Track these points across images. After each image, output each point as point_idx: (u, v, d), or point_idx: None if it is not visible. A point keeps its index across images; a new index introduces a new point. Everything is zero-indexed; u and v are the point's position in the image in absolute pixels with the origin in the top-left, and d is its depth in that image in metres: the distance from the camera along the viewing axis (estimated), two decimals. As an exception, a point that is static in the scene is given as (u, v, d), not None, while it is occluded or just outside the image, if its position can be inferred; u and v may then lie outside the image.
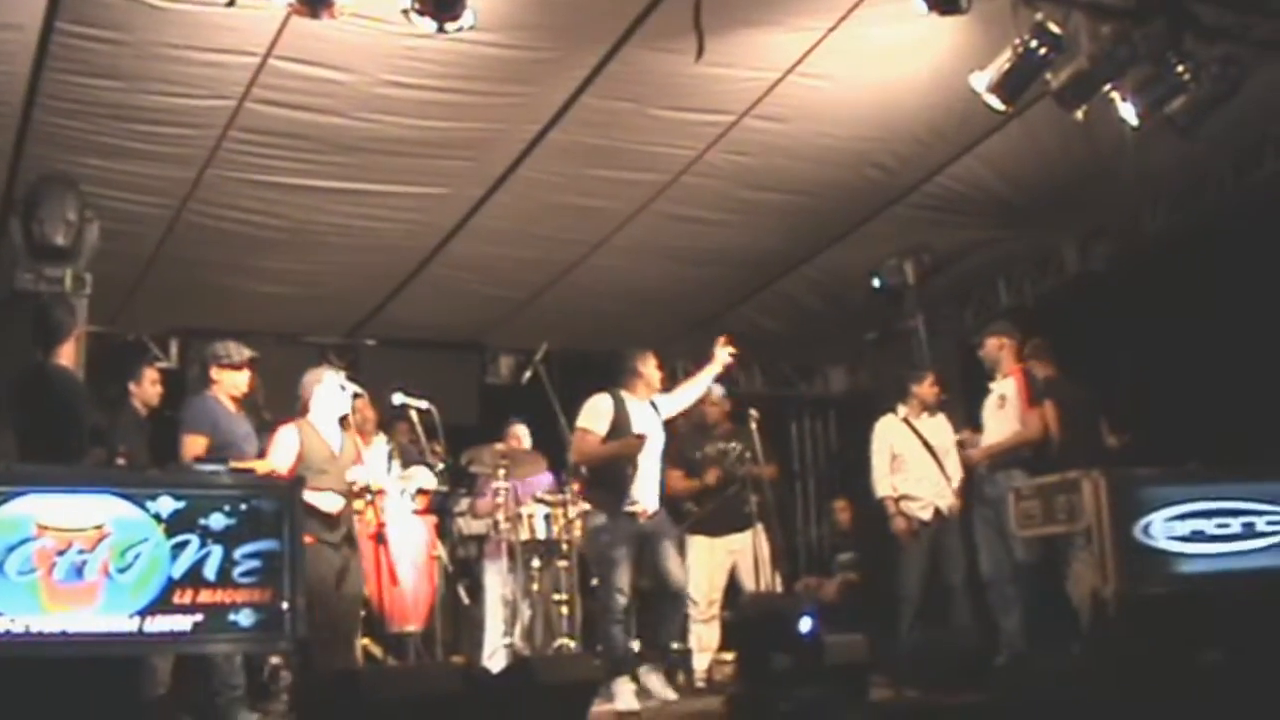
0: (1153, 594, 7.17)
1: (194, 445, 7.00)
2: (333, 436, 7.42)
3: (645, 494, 7.68)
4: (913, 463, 9.00)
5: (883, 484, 9.05)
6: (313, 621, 6.87)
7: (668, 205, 8.92)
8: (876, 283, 10.00)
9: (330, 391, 7.42)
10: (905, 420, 9.09)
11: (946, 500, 8.90)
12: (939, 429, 9.05)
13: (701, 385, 8.27)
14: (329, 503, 7.25)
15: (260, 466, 7.03)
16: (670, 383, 10.60)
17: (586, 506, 8.10)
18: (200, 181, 8.00)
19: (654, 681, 7.69)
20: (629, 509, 7.59)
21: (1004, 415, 8.60)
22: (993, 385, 8.76)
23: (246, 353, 7.30)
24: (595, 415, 7.69)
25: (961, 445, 8.82)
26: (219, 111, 7.30)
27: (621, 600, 7.49)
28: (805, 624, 6.82)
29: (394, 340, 10.94)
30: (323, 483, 7.19)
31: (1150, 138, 7.65)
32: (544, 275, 9.98)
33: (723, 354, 8.16)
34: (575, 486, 8.49)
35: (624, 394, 7.78)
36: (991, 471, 8.52)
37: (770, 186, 8.77)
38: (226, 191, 8.17)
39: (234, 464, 6.78)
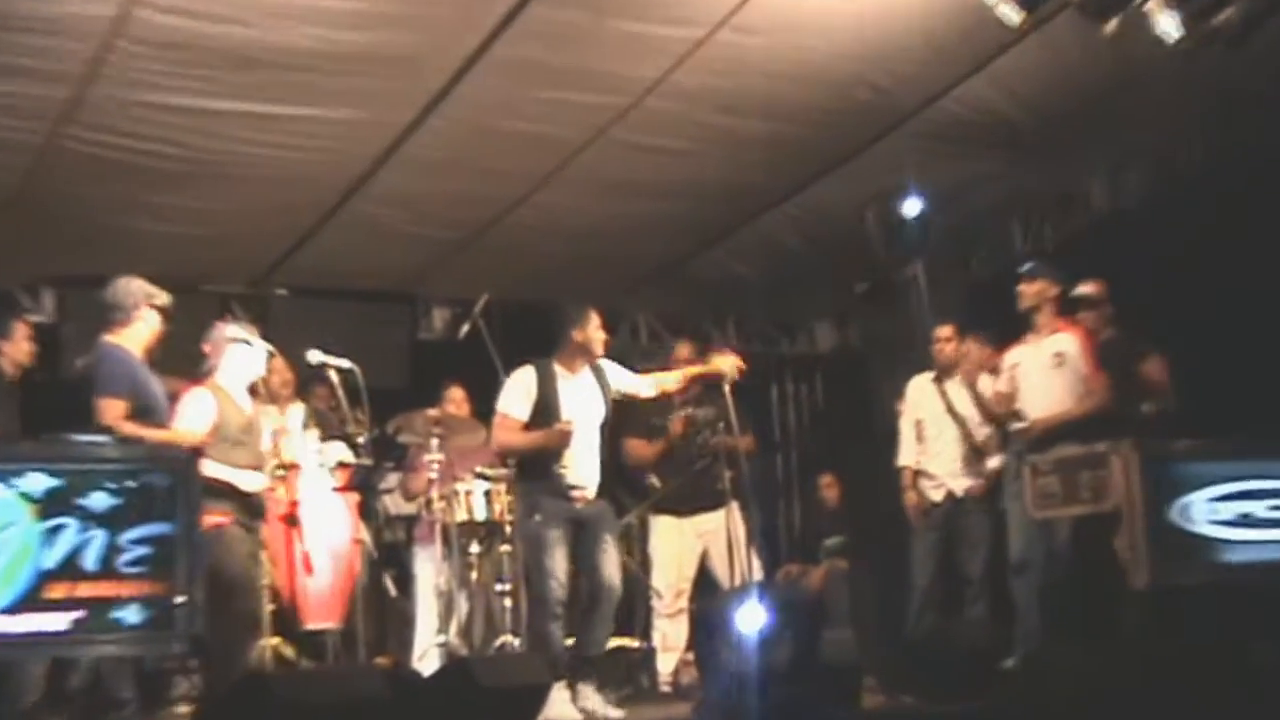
0: (1191, 586, 7.18)
1: (113, 410, 6.78)
2: (245, 403, 7.35)
3: (581, 475, 7.66)
4: (932, 433, 9.00)
5: (905, 452, 9.13)
6: (230, 617, 6.88)
7: (628, 133, 8.84)
8: (916, 209, 9.76)
9: (244, 350, 7.34)
10: (936, 380, 9.02)
11: (964, 480, 8.85)
12: (962, 393, 8.98)
13: (673, 383, 8.27)
14: (251, 481, 7.20)
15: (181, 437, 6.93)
16: (633, 340, 10.57)
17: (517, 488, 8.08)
18: (77, 102, 7.84)
19: (591, 699, 7.62)
20: (566, 493, 7.58)
21: (1061, 377, 8.30)
22: (1032, 338, 8.52)
23: (168, 296, 7.17)
24: (515, 396, 7.67)
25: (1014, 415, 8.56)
26: (100, 19, 7.13)
27: (558, 591, 7.48)
28: (749, 617, 6.75)
29: (309, 289, 10.89)
30: (239, 456, 7.18)
31: (1192, 54, 7.57)
32: (485, 214, 9.91)
33: (727, 364, 8.16)
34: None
35: (556, 366, 7.74)
36: (1051, 441, 8.16)
37: (746, 111, 8.69)
38: (109, 114, 8.01)
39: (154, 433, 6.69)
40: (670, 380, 8.26)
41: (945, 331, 9.10)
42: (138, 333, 6.98)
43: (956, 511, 8.89)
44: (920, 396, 9.10)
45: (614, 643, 8.49)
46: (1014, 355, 8.57)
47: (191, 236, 9.60)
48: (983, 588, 8.75)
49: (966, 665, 7.27)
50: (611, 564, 7.70)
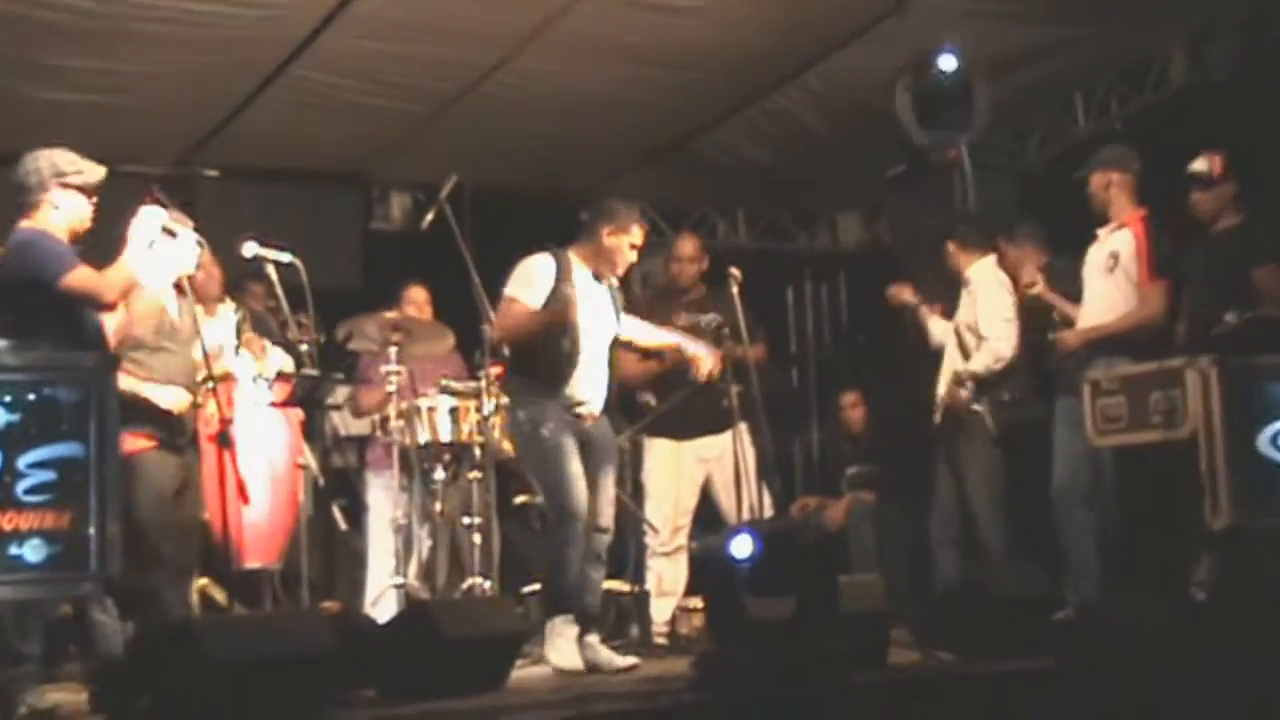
0: (1280, 527, 7.21)
1: (82, 276, 6.59)
2: (170, 303, 7.26)
3: (590, 391, 7.67)
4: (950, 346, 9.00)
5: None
6: (149, 555, 6.83)
7: (624, -14, 8.83)
8: (951, 63, 9.65)
9: (169, 240, 7.24)
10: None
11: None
12: (962, 300, 8.99)
13: (668, 339, 8.36)
14: (170, 398, 7.14)
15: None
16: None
17: (505, 399, 8.08)
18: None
19: (599, 651, 7.61)
20: (571, 408, 7.59)
21: (1112, 282, 8.35)
22: (1102, 234, 8.49)
23: (100, 170, 6.97)
24: (528, 280, 7.66)
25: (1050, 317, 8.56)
26: None
27: (581, 505, 7.46)
28: (741, 545, 6.71)
29: (244, 170, 10.88)
30: (160, 364, 7.15)
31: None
32: (453, 83, 9.86)
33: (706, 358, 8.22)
34: (495, 371, 8.39)
35: (574, 257, 7.73)
36: (1091, 356, 8.24)
37: (763, -39, 8.65)
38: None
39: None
40: (645, 338, 8.30)
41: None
42: (48, 218, 6.82)
43: (949, 433, 8.88)
44: None
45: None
46: (1088, 254, 8.56)
47: (105, 107, 9.52)
48: (995, 523, 8.75)
49: (1014, 617, 7.24)
50: (607, 499, 7.73)
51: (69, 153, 6.92)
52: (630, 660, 7.62)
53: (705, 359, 8.18)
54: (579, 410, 7.63)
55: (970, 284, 8.99)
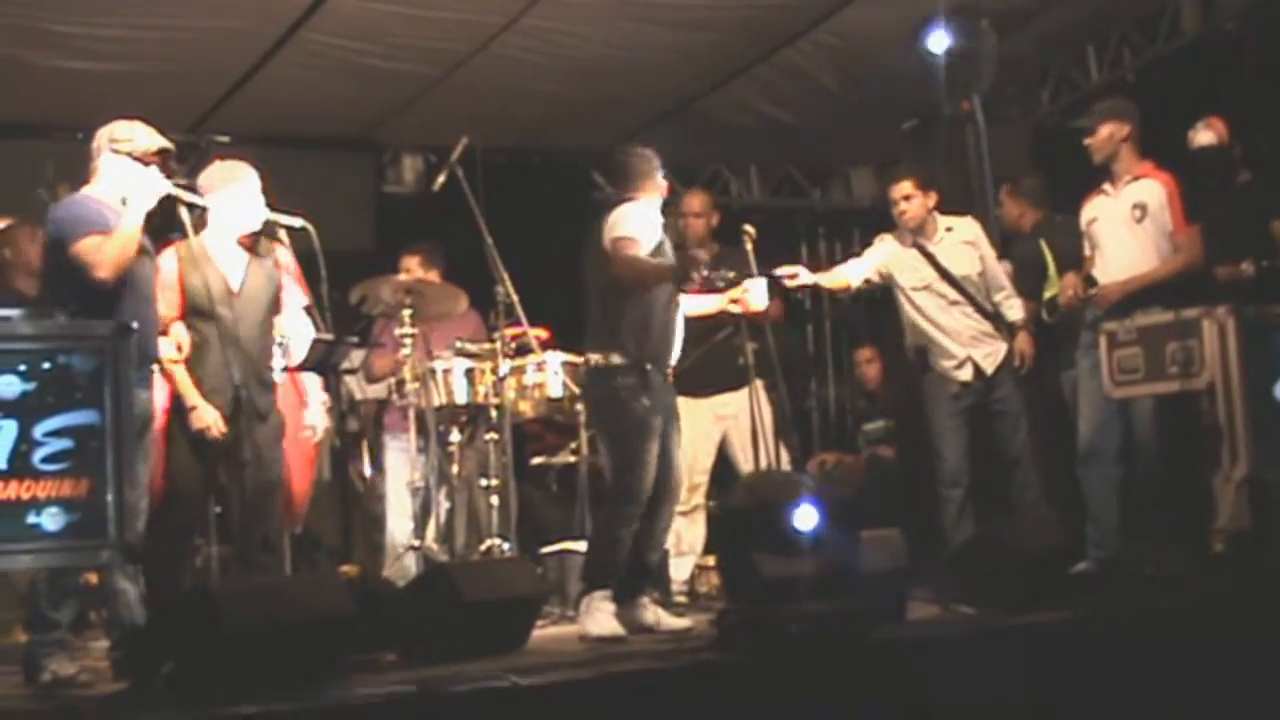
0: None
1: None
2: (234, 266, 7.29)
3: (676, 349, 7.59)
4: (932, 306, 8.86)
5: (909, 331, 9.08)
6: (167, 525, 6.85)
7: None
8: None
9: (245, 198, 7.28)
10: (917, 245, 8.89)
11: (991, 351, 8.76)
12: (958, 253, 8.87)
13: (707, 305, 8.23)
14: (208, 417, 7.10)
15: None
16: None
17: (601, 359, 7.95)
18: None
19: (653, 611, 7.54)
20: (665, 366, 7.50)
21: (1142, 233, 8.26)
22: (1110, 189, 8.45)
23: (159, 140, 6.91)
24: (641, 225, 7.45)
25: (1085, 281, 8.44)
26: None
27: (646, 489, 7.37)
28: (804, 517, 6.74)
29: (255, 136, 10.73)
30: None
31: None
32: (463, 44, 9.80)
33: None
34: (510, 332, 8.35)
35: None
36: (1129, 307, 8.10)
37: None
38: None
39: None
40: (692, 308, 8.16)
41: (904, 188, 8.90)
42: (97, 184, 6.77)
43: (987, 387, 8.79)
44: (898, 261, 8.96)
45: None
46: (1091, 209, 8.49)
47: (115, 74, 9.49)
48: (1030, 472, 8.67)
49: (1034, 570, 7.23)
50: (679, 455, 7.66)
51: (133, 121, 6.89)
52: (684, 622, 7.54)
53: (752, 297, 8.10)
54: (669, 369, 7.54)
55: (959, 231, 8.88)
